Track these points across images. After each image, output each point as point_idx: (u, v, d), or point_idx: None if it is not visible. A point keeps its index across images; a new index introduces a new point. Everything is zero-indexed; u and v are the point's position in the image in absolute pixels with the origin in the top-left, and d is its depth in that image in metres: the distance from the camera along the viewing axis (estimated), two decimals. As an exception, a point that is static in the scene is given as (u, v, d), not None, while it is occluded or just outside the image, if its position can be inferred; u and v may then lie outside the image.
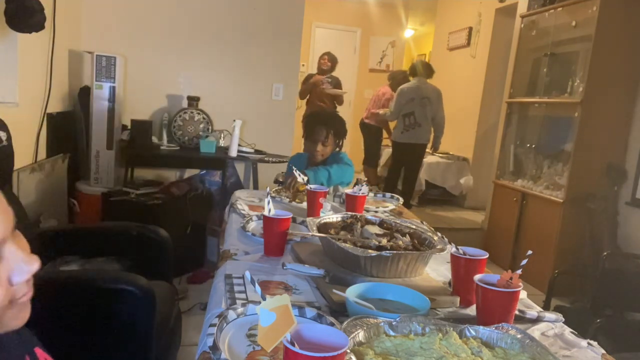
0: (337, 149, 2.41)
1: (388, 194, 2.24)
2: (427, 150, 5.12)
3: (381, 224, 1.47)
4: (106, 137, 3.19)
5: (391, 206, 2.02)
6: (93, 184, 3.20)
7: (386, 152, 6.01)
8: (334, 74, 5.57)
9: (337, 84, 5.58)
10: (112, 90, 3.17)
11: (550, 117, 4.01)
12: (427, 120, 4.82)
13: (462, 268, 1.15)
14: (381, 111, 5.42)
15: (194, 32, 3.68)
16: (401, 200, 2.13)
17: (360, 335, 0.85)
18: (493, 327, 0.91)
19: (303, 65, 7.20)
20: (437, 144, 5.03)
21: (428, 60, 7.68)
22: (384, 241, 1.30)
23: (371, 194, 2.10)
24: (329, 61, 5.50)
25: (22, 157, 2.50)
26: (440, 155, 5.73)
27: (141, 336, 1.55)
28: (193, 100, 3.60)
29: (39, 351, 0.78)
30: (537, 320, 1.09)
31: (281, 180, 2.74)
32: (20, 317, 0.68)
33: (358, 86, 7.77)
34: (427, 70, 4.91)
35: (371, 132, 5.77)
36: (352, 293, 1.01)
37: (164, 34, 3.63)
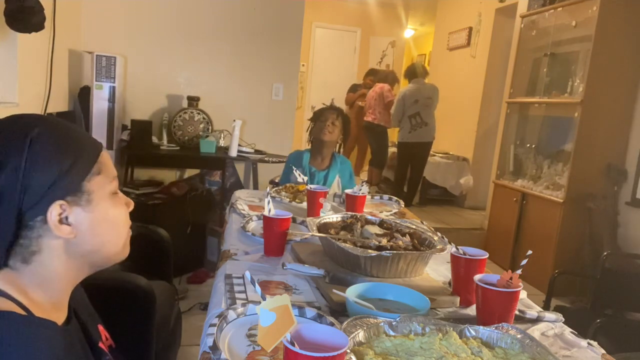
0: (340, 143, 2.46)
1: (386, 196, 2.18)
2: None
3: (381, 224, 1.47)
4: (106, 137, 3.19)
5: (394, 210, 1.99)
6: (93, 184, 3.19)
7: (390, 152, 5.99)
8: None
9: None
10: (112, 90, 3.17)
11: (550, 117, 4.01)
12: (433, 118, 4.95)
13: (462, 268, 1.15)
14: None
15: (194, 32, 3.68)
16: (402, 202, 2.11)
17: (360, 335, 0.85)
18: (493, 327, 0.91)
19: (303, 65, 7.20)
20: None
21: (428, 60, 7.69)
22: (384, 241, 1.30)
23: (368, 197, 2.00)
24: (372, 81, 6.52)
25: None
26: (441, 155, 5.73)
27: (141, 336, 1.55)
28: (193, 100, 3.60)
29: (101, 328, 0.88)
30: (537, 320, 1.09)
31: (277, 181, 2.74)
32: (127, 250, 0.80)
33: (358, 86, 7.77)
34: (424, 70, 5.16)
35: (377, 133, 5.78)
36: (352, 293, 1.01)
37: (164, 34, 3.63)
